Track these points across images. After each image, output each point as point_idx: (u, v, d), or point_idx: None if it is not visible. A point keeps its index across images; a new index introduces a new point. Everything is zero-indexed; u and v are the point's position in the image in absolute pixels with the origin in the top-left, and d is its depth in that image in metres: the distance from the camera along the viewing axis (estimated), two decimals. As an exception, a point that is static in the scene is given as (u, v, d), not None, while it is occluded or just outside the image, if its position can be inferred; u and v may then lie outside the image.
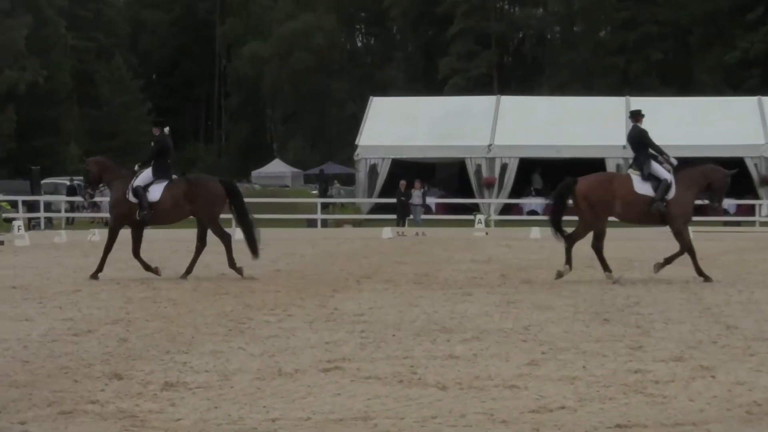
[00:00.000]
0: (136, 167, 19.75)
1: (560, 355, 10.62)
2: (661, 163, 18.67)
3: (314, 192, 55.73)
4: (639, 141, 18.87)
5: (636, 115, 19.14)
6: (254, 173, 79.35)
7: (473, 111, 50.73)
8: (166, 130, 20.01)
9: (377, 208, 45.37)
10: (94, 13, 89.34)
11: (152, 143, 20.04)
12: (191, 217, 19.91)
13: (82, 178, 19.76)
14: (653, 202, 18.25)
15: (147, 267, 19.13)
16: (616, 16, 78.98)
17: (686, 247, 18.34)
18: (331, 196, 51.27)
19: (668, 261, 18.35)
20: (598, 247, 18.42)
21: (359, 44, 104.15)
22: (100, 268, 19.10)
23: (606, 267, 18.29)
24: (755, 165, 44.28)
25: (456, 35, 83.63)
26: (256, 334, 12.14)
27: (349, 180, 63.66)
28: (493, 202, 46.51)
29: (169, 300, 15.63)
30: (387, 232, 36.32)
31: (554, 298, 15.81)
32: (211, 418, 8.01)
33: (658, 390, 8.92)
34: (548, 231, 36.23)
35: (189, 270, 19.13)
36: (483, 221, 40.00)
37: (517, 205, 48.56)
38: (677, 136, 46.31)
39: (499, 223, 42.92)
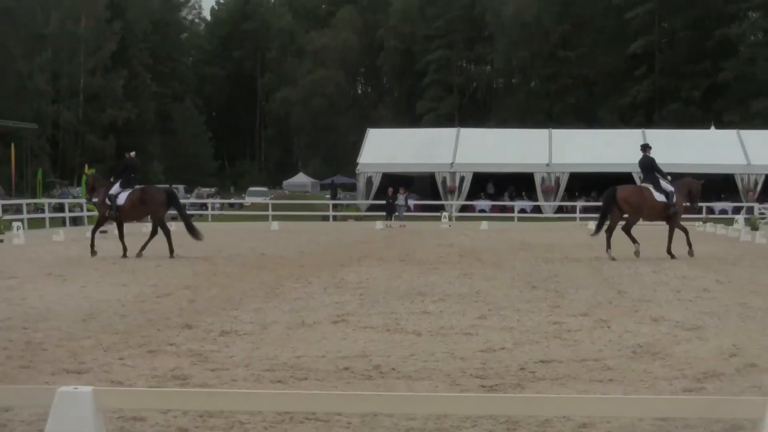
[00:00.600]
0: (111, 179, 19.88)
1: (501, 312, 10.63)
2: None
3: (327, 196, 55.68)
4: (649, 165, 18.93)
5: (645, 148, 19.05)
6: (285, 183, 79.10)
7: (441, 139, 50.89)
8: (132, 154, 20.16)
9: (372, 208, 45.44)
10: (171, 69, 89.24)
11: (118, 163, 20.26)
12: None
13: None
14: (669, 207, 18.39)
15: (125, 248, 18.90)
16: (543, 71, 78.97)
17: (683, 229, 18.62)
18: (339, 199, 51.15)
19: (689, 245, 18.47)
20: (627, 229, 18.61)
21: (359, 91, 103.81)
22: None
23: (633, 240, 18.42)
24: (640, 178, 44.34)
25: (428, 85, 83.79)
26: (287, 297, 12.15)
27: (352, 187, 63.51)
28: (454, 203, 46.59)
29: (224, 273, 15.64)
30: (379, 225, 36.33)
31: (498, 271, 15.84)
32: (254, 356, 8.03)
33: (570, 336, 8.96)
34: (495, 224, 36.69)
35: (143, 247, 18.98)
36: (447, 217, 40.08)
37: (471, 205, 48.72)
38: (586, 158, 46.72)
39: (459, 219, 42.96)
